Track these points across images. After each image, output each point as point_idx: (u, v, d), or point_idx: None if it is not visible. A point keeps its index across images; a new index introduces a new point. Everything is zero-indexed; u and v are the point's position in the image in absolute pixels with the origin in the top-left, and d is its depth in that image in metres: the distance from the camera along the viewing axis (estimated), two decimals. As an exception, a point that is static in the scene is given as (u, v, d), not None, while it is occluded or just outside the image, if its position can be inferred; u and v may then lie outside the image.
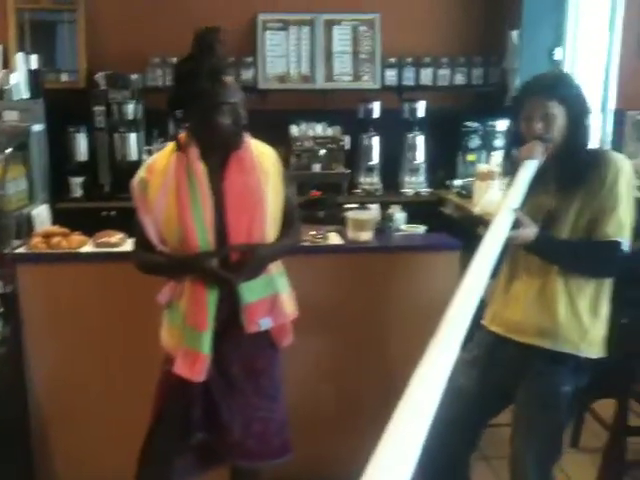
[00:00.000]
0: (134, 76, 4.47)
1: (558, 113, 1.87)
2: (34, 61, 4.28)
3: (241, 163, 1.95)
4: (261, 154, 2.01)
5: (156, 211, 1.93)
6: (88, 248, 2.49)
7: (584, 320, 1.92)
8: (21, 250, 2.47)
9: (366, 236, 2.61)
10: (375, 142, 4.82)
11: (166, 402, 2.03)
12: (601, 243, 1.87)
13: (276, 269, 2.06)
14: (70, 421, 2.52)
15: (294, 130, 4.74)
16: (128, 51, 4.58)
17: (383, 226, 2.81)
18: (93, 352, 2.42)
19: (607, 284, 1.96)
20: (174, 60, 4.21)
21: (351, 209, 2.83)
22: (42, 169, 3.76)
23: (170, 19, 4.50)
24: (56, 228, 2.51)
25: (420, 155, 4.86)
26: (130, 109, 4.40)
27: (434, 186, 4.84)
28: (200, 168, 1.91)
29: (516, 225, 1.77)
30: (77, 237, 2.48)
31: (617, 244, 1.86)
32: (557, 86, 1.90)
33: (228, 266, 1.93)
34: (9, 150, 2.71)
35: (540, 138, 1.88)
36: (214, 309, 1.94)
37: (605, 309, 1.96)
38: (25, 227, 2.65)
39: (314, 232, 2.62)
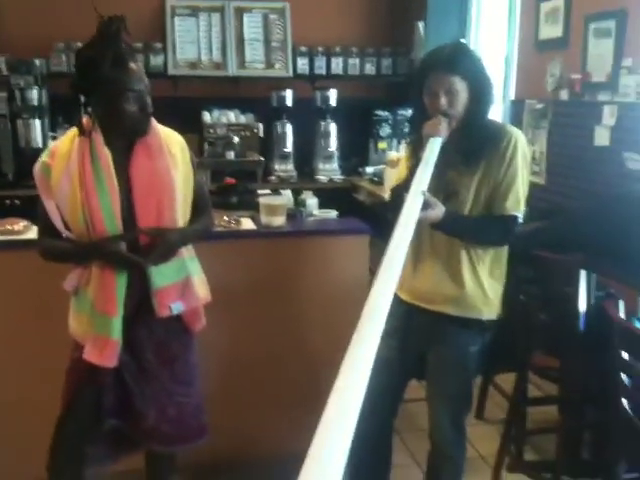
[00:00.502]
0: (38, 61, 4.31)
1: (461, 88, 1.92)
2: None
3: (148, 148, 1.94)
4: (169, 140, 2.00)
5: (59, 196, 1.90)
6: (-9, 237, 2.40)
7: (485, 287, 2.04)
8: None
9: (279, 221, 2.64)
10: (289, 130, 4.87)
11: (76, 389, 1.99)
12: (500, 218, 1.98)
13: (188, 253, 2.05)
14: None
15: (207, 117, 4.71)
16: (31, 35, 4.41)
17: (295, 211, 2.86)
18: (0, 341, 2.34)
19: (503, 251, 2.08)
20: (79, 45, 4.07)
21: (264, 195, 2.85)
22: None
23: (75, 2, 4.35)
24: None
25: (333, 143, 4.95)
26: (34, 95, 4.24)
27: (347, 173, 4.95)
28: (105, 153, 1.89)
29: (424, 207, 1.80)
30: (-21, 226, 2.39)
31: (514, 218, 1.99)
32: (459, 61, 1.93)
33: (137, 250, 1.91)
34: None
35: (444, 113, 1.92)
36: (123, 294, 1.92)
37: (501, 272, 2.09)
38: None
39: (227, 218, 2.63)
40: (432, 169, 1.83)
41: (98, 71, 1.82)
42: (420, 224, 1.80)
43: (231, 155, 4.63)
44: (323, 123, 4.92)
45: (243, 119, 4.81)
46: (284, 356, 2.66)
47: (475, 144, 1.96)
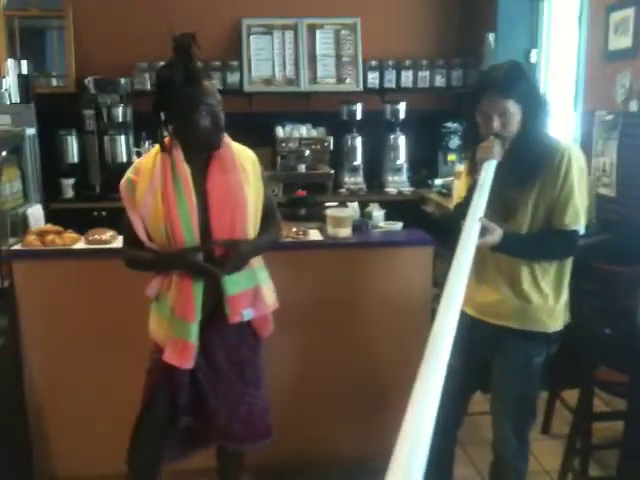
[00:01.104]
0: (122, 80, 4.59)
1: (515, 110, 1.95)
2: (24, 66, 4.39)
3: (222, 163, 2.07)
4: (242, 155, 2.12)
5: (144, 210, 2.04)
6: (80, 245, 2.59)
7: (550, 301, 2.06)
8: (17, 247, 2.58)
9: (345, 232, 2.74)
10: (358, 143, 4.97)
11: (155, 389, 2.14)
12: (560, 233, 2.00)
13: (257, 263, 2.18)
14: (66, 412, 2.63)
15: (279, 132, 4.87)
16: (116, 56, 4.70)
17: (362, 223, 2.94)
18: (86, 344, 2.53)
19: (567, 263, 2.09)
20: (160, 64, 4.33)
21: (331, 207, 2.96)
22: (35, 171, 3.88)
23: (156, 25, 4.57)
24: (50, 226, 2.63)
25: (402, 155, 5.01)
26: (119, 112, 4.53)
27: (416, 185, 5.00)
28: (185, 169, 2.02)
29: (482, 232, 1.84)
30: (70, 235, 2.59)
31: (575, 233, 2.00)
32: (513, 83, 1.94)
33: (213, 261, 2.04)
34: (4, 153, 2.83)
35: (497, 135, 1.95)
36: (200, 301, 2.05)
37: (566, 285, 2.10)
38: (20, 226, 2.76)
39: (295, 229, 2.75)
40: (488, 192, 1.86)
41: (173, 86, 1.95)
42: (480, 249, 1.85)
43: (302, 168, 4.77)
44: (392, 136, 4.99)
45: (314, 133, 4.94)
46: (350, 363, 2.75)
47: (530, 162, 1.98)
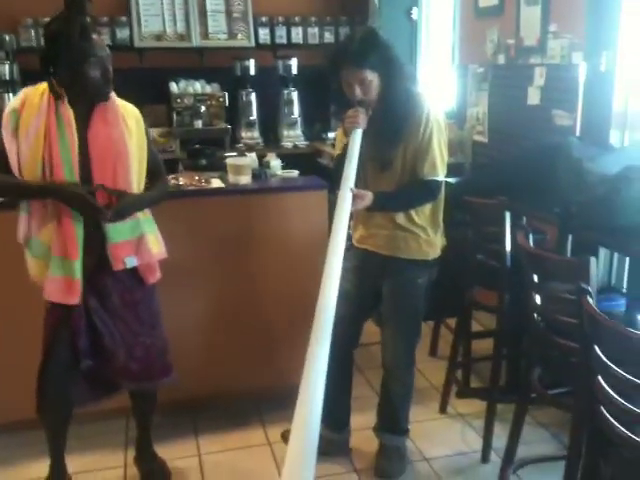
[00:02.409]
0: (7, 37, 4.45)
1: (372, 77, 2.17)
2: None
3: (106, 116, 2.14)
4: (126, 111, 2.19)
5: (24, 141, 2.07)
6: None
7: (428, 233, 2.39)
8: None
9: (245, 180, 2.91)
10: (253, 98, 5.10)
11: (53, 334, 2.21)
12: (421, 183, 2.29)
13: (142, 214, 2.26)
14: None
15: (174, 87, 4.89)
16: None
17: (260, 172, 3.12)
18: (4, 289, 2.55)
19: (439, 202, 2.40)
20: (46, 20, 4.24)
21: (230, 156, 3.11)
22: None
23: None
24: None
25: (296, 110, 5.19)
26: (5, 70, 4.40)
27: (311, 139, 5.20)
28: (69, 111, 2.08)
29: (354, 199, 2.09)
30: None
31: (433, 182, 2.30)
32: (367, 53, 2.14)
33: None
34: None
35: (360, 102, 2.18)
36: (82, 240, 2.13)
37: (440, 219, 2.42)
38: None
39: (198, 177, 2.89)
40: (356, 161, 2.11)
41: (67, 39, 2.01)
42: (357, 211, 2.15)
43: (199, 124, 4.84)
44: (286, 91, 5.15)
45: (209, 89, 5.00)
46: (253, 301, 2.95)
47: (395, 124, 2.22)
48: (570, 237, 2.67)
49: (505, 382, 2.95)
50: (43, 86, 2.13)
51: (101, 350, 2.27)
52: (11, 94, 4.41)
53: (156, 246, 2.32)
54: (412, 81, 2.29)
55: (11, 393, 2.53)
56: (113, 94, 2.17)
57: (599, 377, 1.44)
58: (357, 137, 2.17)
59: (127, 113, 2.20)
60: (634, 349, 1.37)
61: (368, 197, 2.20)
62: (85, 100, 2.12)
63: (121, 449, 2.75)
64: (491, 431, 2.65)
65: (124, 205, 2.13)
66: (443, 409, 3.04)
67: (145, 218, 2.28)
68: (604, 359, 1.41)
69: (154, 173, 2.29)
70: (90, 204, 2.07)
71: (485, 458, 2.65)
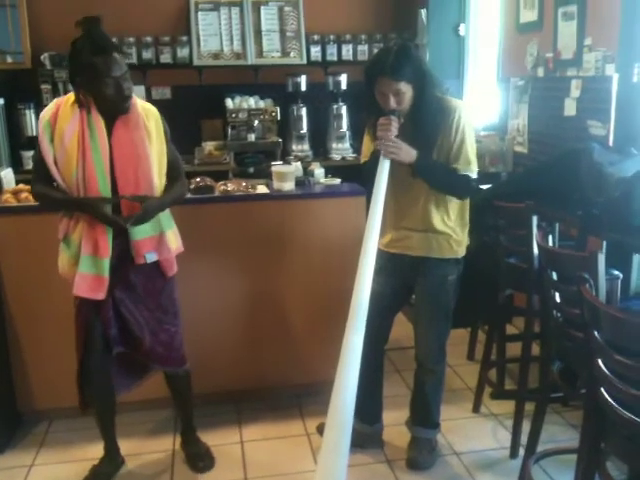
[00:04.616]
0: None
1: (406, 89, 2.31)
2: (-20, 44, 4.56)
3: (127, 122, 2.28)
4: (147, 114, 2.35)
5: (59, 149, 2.23)
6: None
7: (458, 235, 2.51)
8: (-6, 204, 2.86)
9: (288, 186, 3.10)
10: (304, 113, 5.31)
11: (87, 328, 2.40)
12: (459, 175, 2.41)
13: (162, 212, 2.41)
14: (43, 346, 2.93)
15: (229, 103, 5.15)
16: (69, 32, 4.83)
17: (304, 179, 3.31)
18: (57, 285, 2.70)
19: (466, 205, 2.53)
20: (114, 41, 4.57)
21: (276, 165, 3.31)
22: (3, 139, 4.07)
23: (109, 1, 4.81)
24: (22, 186, 2.90)
25: (345, 124, 5.38)
26: (75, 87, 4.73)
27: (358, 152, 5.35)
28: (99, 119, 2.25)
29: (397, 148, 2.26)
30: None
31: (467, 177, 2.42)
32: (402, 66, 2.26)
33: (119, 213, 2.30)
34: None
35: (393, 111, 2.32)
36: (112, 240, 2.32)
37: (467, 220, 2.54)
38: (-6, 186, 3.03)
39: (245, 183, 3.10)
40: (385, 189, 2.23)
41: (80, 56, 2.17)
42: (397, 163, 2.29)
43: (252, 137, 5.07)
44: (335, 106, 5.34)
45: (262, 104, 5.23)
46: (296, 299, 3.13)
47: (428, 129, 2.37)
48: (604, 243, 2.74)
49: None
50: (70, 98, 2.28)
51: (129, 336, 2.45)
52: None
53: (174, 242, 2.49)
54: (440, 88, 2.43)
55: (67, 380, 2.72)
56: (134, 99, 2.31)
57: (599, 360, 1.55)
58: (385, 169, 2.28)
59: (147, 116, 2.34)
60: (632, 333, 1.47)
61: (412, 150, 2.32)
62: (105, 112, 2.26)
63: (170, 435, 2.97)
64: (520, 428, 2.73)
65: (145, 211, 2.29)
66: (476, 409, 3.14)
67: (165, 215, 2.44)
68: (602, 342, 1.51)
69: (172, 172, 2.42)
70: (111, 221, 2.26)
71: (513, 454, 2.74)
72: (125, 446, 2.77)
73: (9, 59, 5.07)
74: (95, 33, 2.19)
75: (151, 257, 2.41)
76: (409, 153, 2.34)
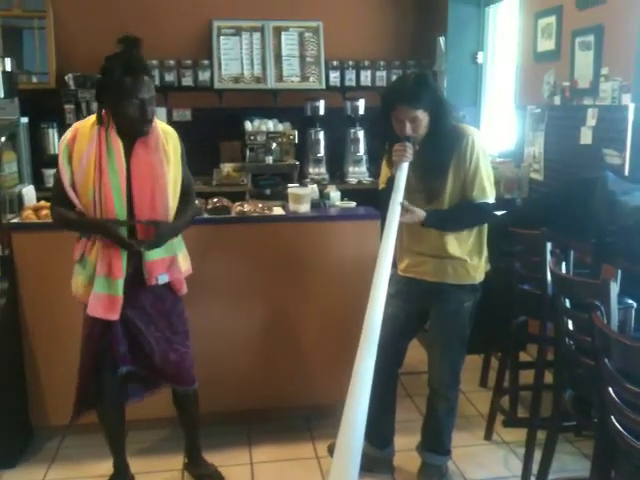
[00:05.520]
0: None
1: (423, 117, 2.35)
2: (8, 64, 4.67)
3: (147, 144, 2.30)
4: (166, 137, 2.37)
5: (77, 171, 2.26)
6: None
7: (474, 260, 2.53)
8: (15, 220, 2.92)
9: (304, 208, 3.14)
10: (321, 136, 5.37)
11: (97, 347, 2.41)
12: (472, 206, 2.44)
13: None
14: (58, 362, 2.95)
15: (248, 126, 5.21)
16: (94, 54, 4.95)
17: (320, 202, 3.34)
18: (74, 303, 2.75)
19: (484, 230, 2.54)
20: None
21: (292, 187, 3.35)
22: (27, 156, 4.17)
23: (132, 24, 4.90)
24: (44, 203, 2.96)
25: (362, 148, 5.42)
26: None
27: (375, 175, 5.38)
28: (118, 142, 2.28)
29: (403, 214, 2.28)
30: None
31: (483, 204, 2.44)
32: (420, 94, 2.32)
33: (134, 236, 2.33)
34: (3, 139, 3.17)
35: (408, 138, 2.35)
36: (126, 261, 2.35)
37: (485, 246, 2.56)
38: (16, 203, 3.09)
39: (261, 205, 3.14)
40: (404, 184, 2.29)
41: (111, 74, 2.20)
42: (406, 223, 2.35)
43: (270, 160, 5.12)
44: (353, 130, 5.39)
45: (280, 127, 5.29)
46: (310, 320, 3.15)
47: (442, 155, 2.40)
48: (619, 272, 2.73)
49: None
50: (93, 118, 2.31)
51: (139, 355, 2.47)
52: (102, 129, 4.84)
53: (184, 264, 2.52)
54: (455, 116, 2.46)
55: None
56: (155, 121, 2.31)
57: (609, 388, 1.55)
58: (404, 169, 2.34)
59: (167, 139, 2.36)
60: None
61: (418, 213, 2.37)
62: (126, 133, 2.28)
63: (180, 454, 2.95)
64: (531, 457, 2.71)
65: (159, 236, 2.32)
66: (488, 436, 3.11)
67: (176, 239, 2.47)
68: (612, 370, 1.51)
69: (185, 195, 2.44)
70: (126, 245, 2.29)
71: (524, 482, 2.71)
72: (135, 464, 2.78)
73: (34, 79, 5.20)
74: (131, 53, 2.23)
75: (163, 279, 2.43)
76: (418, 215, 2.38)
